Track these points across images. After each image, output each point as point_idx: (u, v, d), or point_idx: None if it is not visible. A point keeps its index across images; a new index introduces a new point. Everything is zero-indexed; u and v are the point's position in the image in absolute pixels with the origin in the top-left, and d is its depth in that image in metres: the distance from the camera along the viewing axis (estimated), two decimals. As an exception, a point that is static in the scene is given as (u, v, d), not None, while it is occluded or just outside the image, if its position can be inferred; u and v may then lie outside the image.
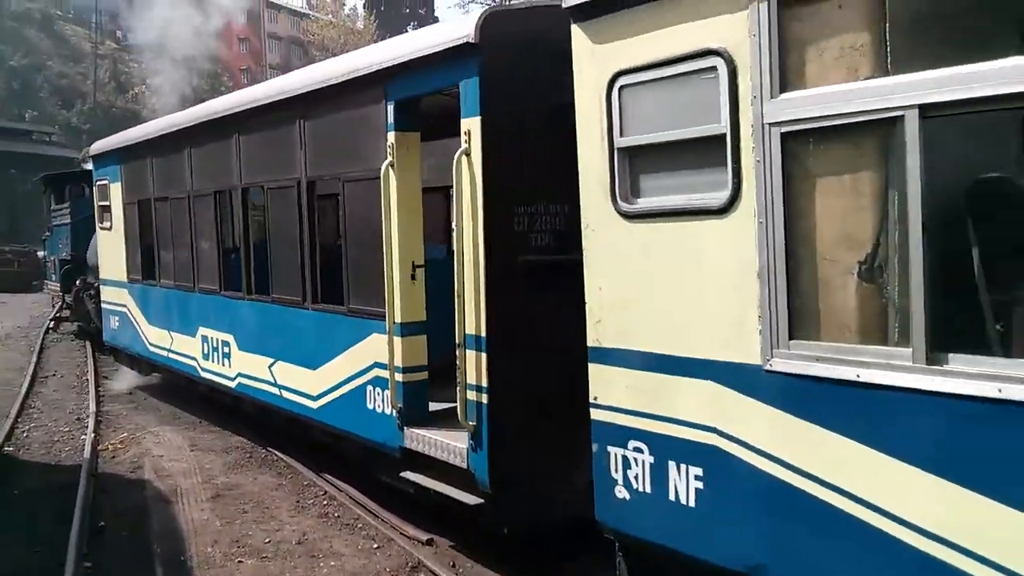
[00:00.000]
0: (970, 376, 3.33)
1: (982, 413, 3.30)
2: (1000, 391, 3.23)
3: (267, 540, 7.04)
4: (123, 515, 7.77)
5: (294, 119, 7.73)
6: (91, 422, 11.26)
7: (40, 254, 30.41)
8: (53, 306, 21.76)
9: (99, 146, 13.93)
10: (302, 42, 73.55)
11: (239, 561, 6.63)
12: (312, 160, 7.60)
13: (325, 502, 7.93)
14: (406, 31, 74.83)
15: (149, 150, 11.49)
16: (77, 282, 18.63)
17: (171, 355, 11.29)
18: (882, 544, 3.57)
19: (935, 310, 3.43)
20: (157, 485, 8.59)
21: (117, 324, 13.61)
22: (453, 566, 6.46)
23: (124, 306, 13.12)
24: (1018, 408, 3.18)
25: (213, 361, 9.90)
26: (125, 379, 14.41)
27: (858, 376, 3.65)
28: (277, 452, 9.43)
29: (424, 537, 6.89)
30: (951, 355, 3.41)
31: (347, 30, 69.57)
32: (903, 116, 3.42)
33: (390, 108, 6.40)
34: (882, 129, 3.57)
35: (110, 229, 13.47)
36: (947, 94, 3.32)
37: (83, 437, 10.56)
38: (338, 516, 7.57)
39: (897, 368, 3.53)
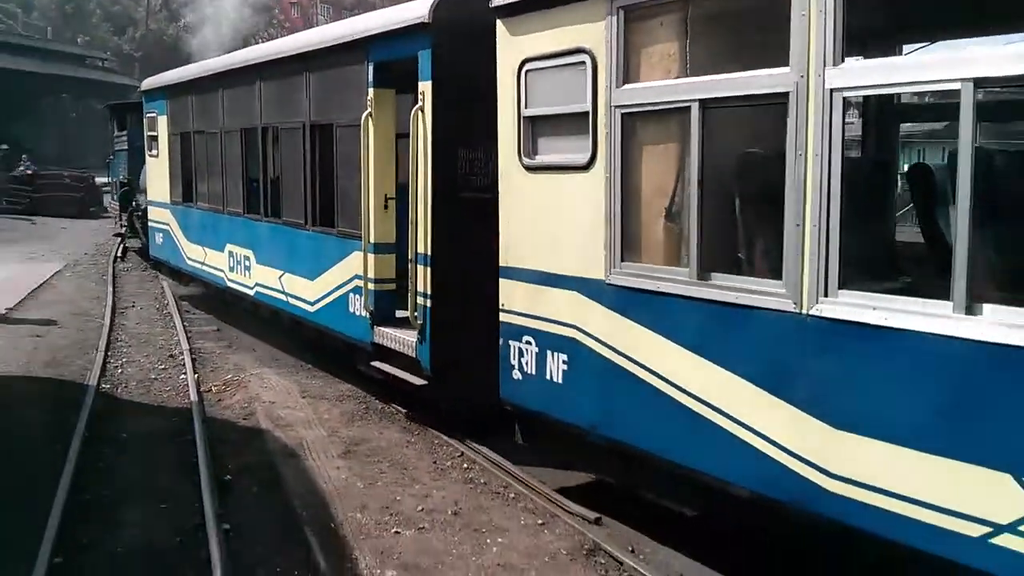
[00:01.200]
0: (722, 288, 4.88)
1: (727, 313, 4.85)
2: (737, 298, 4.79)
3: (419, 508, 6.43)
4: (250, 470, 7.09)
5: (301, 72, 9.31)
6: (187, 360, 10.58)
7: (100, 180, 31.96)
8: (116, 224, 23.02)
9: (149, 83, 15.63)
10: (357, -25, 73.24)
11: (396, 532, 6.04)
12: (314, 108, 9.19)
13: (465, 465, 7.29)
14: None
15: (190, 89, 13.14)
16: (132, 203, 20.50)
17: (204, 268, 13.09)
18: (664, 401, 5.18)
19: (705, 242, 4.97)
20: (278, 435, 7.86)
21: (161, 240, 15.45)
22: (632, 551, 5.86)
23: (167, 225, 14.95)
24: (747, 310, 4.73)
25: (237, 273, 11.65)
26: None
27: (658, 287, 5.22)
28: (396, 406, 8.78)
29: (592, 516, 6.29)
30: (713, 274, 4.96)
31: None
32: (690, 107, 4.92)
33: (370, 69, 7.95)
34: (679, 114, 5.06)
35: (156, 157, 15.25)
36: (718, 92, 4.82)
37: (183, 376, 9.94)
38: (485, 483, 6.95)
39: (681, 282, 5.09)
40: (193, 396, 9.03)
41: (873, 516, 4.18)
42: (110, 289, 16.07)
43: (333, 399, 9.09)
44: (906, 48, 6.12)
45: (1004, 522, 3.72)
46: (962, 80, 3.73)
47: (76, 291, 15.91)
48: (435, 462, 7.36)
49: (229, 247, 11.95)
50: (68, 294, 15.55)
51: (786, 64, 4.41)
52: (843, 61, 4.22)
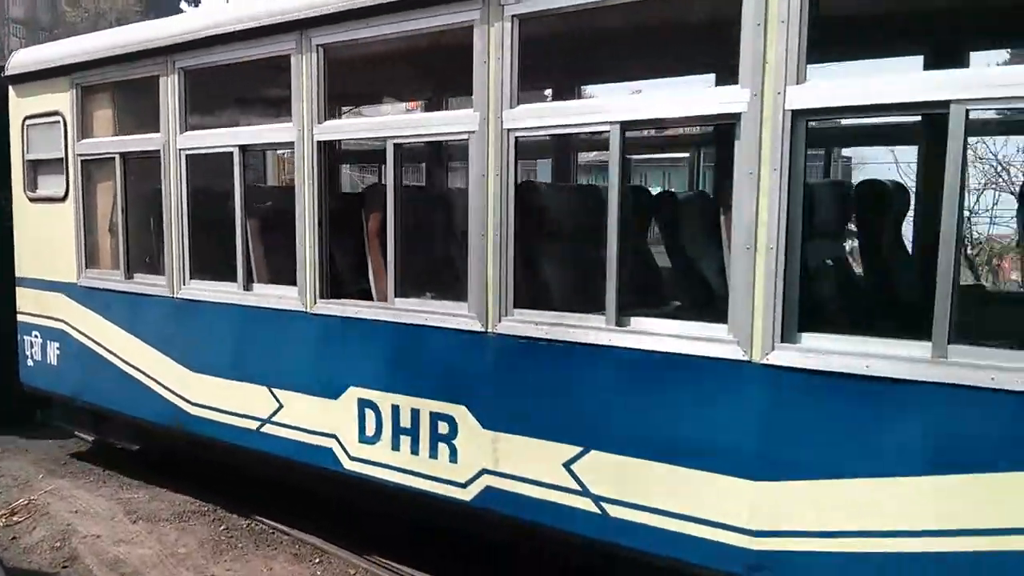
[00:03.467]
0: (139, 283, 6.96)
1: (139, 300, 6.94)
2: (145, 289, 6.88)
3: None
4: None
5: None
6: None
7: None
8: None
9: None
10: (51, -6, 69.43)
11: None
12: None
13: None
14: (172, -4, 73.42)
15: None
16: None
17: None
18: (111, 367, 7.18)
19: (131, 251, 7.04)
20: (131, 593, 5.63)
21: None
22: None
23: None
24: (146, 297, 6.84)
25: None
26: None
27: (105, 286, 7.22)
28: (259, 517, 6.88)
29: None
30: (136, 274, 7.03)
31: (102, -16, 67.11)
32: (115, 157, 7.00)
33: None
34: (112, 161, 7.12)
35: None
36: (129, 148, 6.94)
37: (-56, 503, 7.10)
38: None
39: (118, 281, 7.12)
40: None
41: (217, 427, 6.41)
42: None
43: (174, 519, 6.91)
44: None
45: (265, 417, 6.06)
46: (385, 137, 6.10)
47: None
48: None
49: None
50: None
51: (157, 130, 6.63)
52: (186, 131, 6.48)
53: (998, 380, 3.36)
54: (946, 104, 3.41)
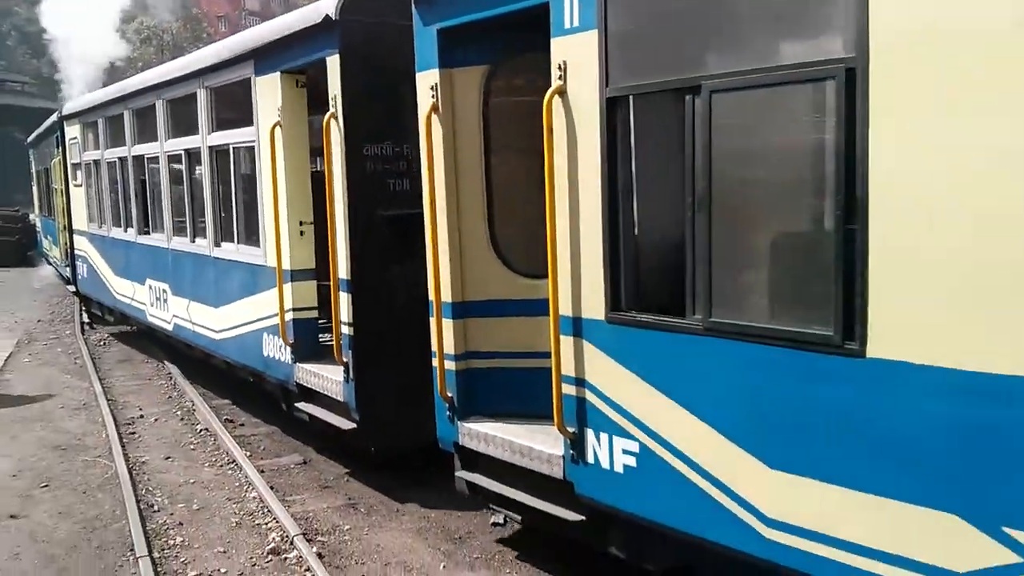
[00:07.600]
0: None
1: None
2: (125, 236, 12.96)
3: None
4: None
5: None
6: (311, 560, 5.73)
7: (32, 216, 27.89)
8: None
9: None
10: (284, -12, 74.86)
11: None
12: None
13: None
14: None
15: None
16: None
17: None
18: (102, 280, 13.40)
19: (108, 212, 13.14)
20: None
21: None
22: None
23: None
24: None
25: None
26: None
27: (94, 232, 13.41)
28: None
29: None
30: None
31: (334, -25, 71.09)
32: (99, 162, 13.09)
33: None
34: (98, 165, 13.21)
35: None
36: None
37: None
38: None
39: (103, 230, 13.27)
40: None
41: (123, 304, 12.38)
42: (96, 387, 10.85)
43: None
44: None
45: (132, 296, 11.91)
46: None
47: (44, 392, 10.77)
48: None
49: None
50: (35, 404, 10.23)
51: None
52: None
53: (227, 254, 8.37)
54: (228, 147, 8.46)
